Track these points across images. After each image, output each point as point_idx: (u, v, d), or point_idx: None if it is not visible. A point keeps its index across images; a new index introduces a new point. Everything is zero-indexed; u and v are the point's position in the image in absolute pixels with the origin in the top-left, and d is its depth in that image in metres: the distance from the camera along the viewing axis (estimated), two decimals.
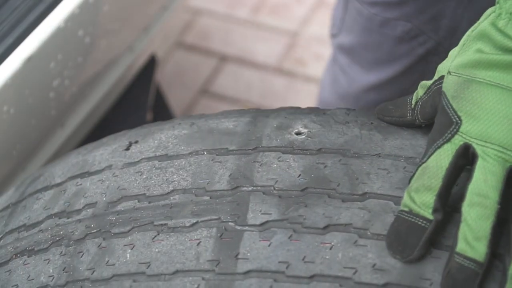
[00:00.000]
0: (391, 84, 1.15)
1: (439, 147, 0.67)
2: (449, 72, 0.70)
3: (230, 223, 0.69)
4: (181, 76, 2.14)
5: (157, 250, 0.69)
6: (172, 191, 0.74)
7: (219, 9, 2.30)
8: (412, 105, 0.75)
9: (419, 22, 1.06)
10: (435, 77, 0.73)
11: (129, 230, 0.72)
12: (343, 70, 1.22)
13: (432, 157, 0.67)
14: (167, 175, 0.76)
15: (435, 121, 0.70)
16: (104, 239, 0.73)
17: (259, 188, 0.72)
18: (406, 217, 0.66)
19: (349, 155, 0.74)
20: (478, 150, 0.66)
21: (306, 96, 2.01)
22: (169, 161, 0.77)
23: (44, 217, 0.80)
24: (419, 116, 0.74)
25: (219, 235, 0.69)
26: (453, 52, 0.71)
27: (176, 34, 2.14)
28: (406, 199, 0.67)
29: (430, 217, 0.66)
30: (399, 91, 1.14)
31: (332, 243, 0.67)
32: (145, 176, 0.77)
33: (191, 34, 2.24)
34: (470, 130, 0.66)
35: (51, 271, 0.73)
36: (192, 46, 2.21)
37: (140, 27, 1.45)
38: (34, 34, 1.11)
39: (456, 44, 0.72)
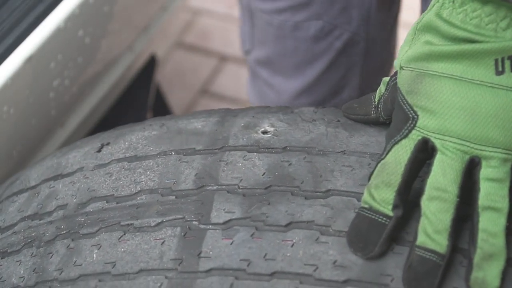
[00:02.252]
0: (319, 85, 1.15)
1: (396, 143, 0.67)
2: (401, 67, 0.69)
3: (194, 222, 0.70)
4: (181, 76, 2.14)
5: (122, 250, 0.70)
6: (139, 191, 0.75)
7: (219, 9, 2.31)
8: (375, 103, 0.75)
9: (329, 17, 1.06)
10: (393, 72, 0.73)
11: (96, 231, 0.73)
12: (267, 83, 1.21)
13: (390, 153, 0.67)
14: (135, 175, 0.76)
15: (392, 117, 0.70)
16: (72, 240, 0.73)
17: (223, 187, 0.72)
18: (367, 214, 0.67)
19: (314, 152, 0.74)
20: (437, 143, 0.65)
21: None
22: (138, 162, 0.78)
23: (18, 219, 0.81)
24: (382, 113, 0.74)
25: (182, 234, 0.69)
26: (403, 47, 0.71)
27: (176, 34, 2.15)
28: (366, 196, 0.67)
29: (390, 213, 0.66)
30: (329, 89, 1.14)
31: (294, 241, 0.67)
32: (114, 177, 0.77)
33: (191, 34, 2.25)
34: (427, 125, 0.66)
35: (22, 272, 0.74)
36: (192, 46, 2.22)
37: (140, 27, 1.45)
38: (34, 34, 1.11)
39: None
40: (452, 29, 0.65)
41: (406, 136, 0.67)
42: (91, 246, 0.72)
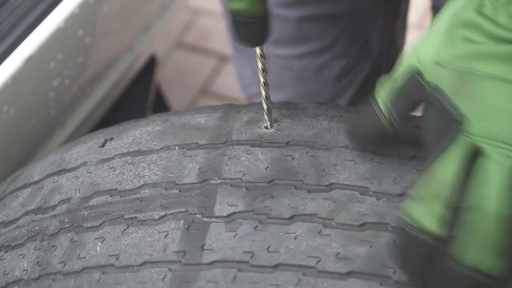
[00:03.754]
0: None
1: (445, 150, 0.61)
2: (437, 63, 0.63)
3: (197, 215, 0.70)
4: (181, 76, 2.15)
5: (126, 242, 0.70)
6: (143, 185, 0.75)
7: (219, 9, 2.31)
8: (382, 108, 0.68)
9: (352, 54, 1.03)
10: (403, 70, 0.66)
11: (100, 224, 0.73)
12: None
13: (437, 161, 0.61)
14: (138, 170, 0.77)
15: (426, 119, 0.65)
16: (76, 233, 0.74)
17: (227, 180, 0.73)
18: (409, 230, 0.61)
19: (317, 147, 0.75)
20: (486, 149, 0.59)
21: None
22: (141, 157, 0.78)
23: (21, 213, 0.81)
24: (395, 116, 0.67)
25: (186, 227, 0.70)
26: (429, 40, 0.65)
27: (176, 34, 2.15)
28: (410, 209, 0.61)
29: (437, 230, 0.60)
30: None
31: (297, 233, 0.67)
32: (117, 172, 0.78)
33: (191, 34, 2.26)
34: (475, 129, 0.60)
35: (25, 265, 0.75)
36: (192, 46, 2.23)
37: (140, 27, 1.46)
38: (34, 34, 1.11)
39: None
40: (498, 29, 0.60)
41: (454, 141, 0.60)
42: (95, 239, 0.72)
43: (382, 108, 0.67)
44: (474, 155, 0.59)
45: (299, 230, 0.67)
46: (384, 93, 0.67)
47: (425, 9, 2.20)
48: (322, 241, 0.67)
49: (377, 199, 0.70)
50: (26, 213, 0.80)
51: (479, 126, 0.59)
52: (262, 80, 0.76)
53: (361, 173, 0.71)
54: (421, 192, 0.61)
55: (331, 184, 0.71)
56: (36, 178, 0.85)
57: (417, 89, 0.65)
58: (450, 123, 0.61)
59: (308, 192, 0.70)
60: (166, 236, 0.69)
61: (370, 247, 0.66)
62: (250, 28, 0.70)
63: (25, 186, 0.85)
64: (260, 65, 0.75)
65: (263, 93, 0.76)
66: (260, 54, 0.75)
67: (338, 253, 0.66)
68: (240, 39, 0.71)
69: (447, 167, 0.60)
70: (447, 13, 0.64)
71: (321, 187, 0.71)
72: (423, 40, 0.66)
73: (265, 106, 0.77)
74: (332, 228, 0.68)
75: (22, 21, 1.13)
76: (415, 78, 0.65)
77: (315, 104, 0.81)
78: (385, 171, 0.72)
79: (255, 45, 0.73)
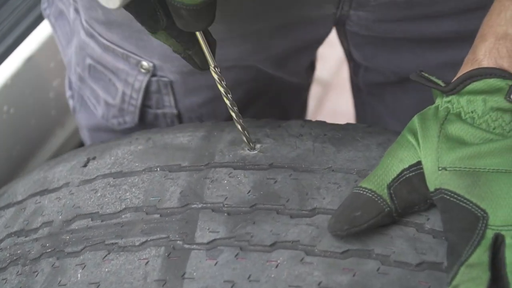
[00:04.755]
0: None
1: (478, 245, 0.65)
2: (443, 168, 0.68)
3: (178, 241, 0.69)
4: None
5: (107, 270, 0.69)
6: (124, 209, 0.74)
7: None
8: (386, 200, 0.68)
9: None
10: (403, 166, 0.70)
11: (81, 250, 0.72)
12: None
13: (473, 256, 0.64)
14: (120, 192, 0.76)
15: (446, 219, 0.68)
16: (57, 258, 0.73)
17: (208, 205, 0.72)
18: None
19: (300, 169, 0.73)
20: (507, 235, 0.64)
21: None
22: (123, 178, 0.77)
23: (4, 235, 0.80)
24: (397, 207, 0.69)
25: (166, 254, 0.68)
26: (427, 150, 0.70)
27: None
28: None
29: None
30: None
31: (278, 261, 0.66)
32: (99, 194, 0.77)
33: None
34: (495, 220, 0.65)
35: None
36: None
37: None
38: (34, 34, 1.11)
39: None
40: (483, 133, 0.69)
41: (483, 236, 0.65)
42: (76, 265, 0.71)
43: (386, 198, 0.69)
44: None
45: (281, 258, 0.66)
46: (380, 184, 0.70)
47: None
48: (304, 270, 0.65)
49: None
50: (9, 235, 0.79)
51: (498, 217, 0.65)
52: (228, 103, 0.74)
53: (345, 197, 0.70)
54: (462, 285, 0.63)
55: (314, 208, 0.70)
56: (20, 198, 0.84)
57: (416, 182, 0.70)
58: (475, 220, 0.66)
59: (291, 217, 0.69)
60: (146, 263, 0.68)
61: (353, 275, 0.65)
62: (194, 15, 0.67)
63: (8, 206, 0.84)
64: (222, 90, 0.74)
65: (234, 115, 0.75)
66: (218, 78, 0.74)
67: (320, 282, 0.64)
68: (182, 26, 0.68)
69: (481, 260, 0.63)
70: (429, 127, 0.71)
71: (304, 212, 0.70)
72: (422, 152, 0.70)
73: (239, 128, 0.75)
74: (314, 255, 0.66)
75: (22, 21, 1.13)
76: (413, 173, 0.70)
77: (299, 122, 0.79)
78: None
79: (197, 30, 0.71)
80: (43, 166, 0.88)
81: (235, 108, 0.75)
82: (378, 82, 1.07)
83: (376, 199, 0.68)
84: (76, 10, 0.99)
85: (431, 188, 0.68)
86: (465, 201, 0.67)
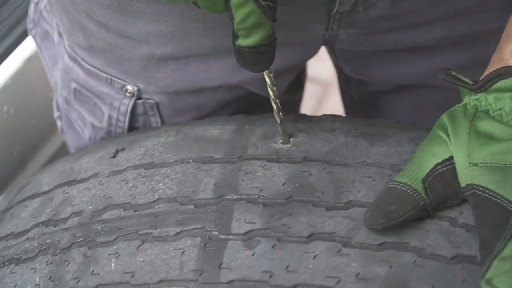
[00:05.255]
0: None
1: (510, 238, 0.65)
2: (474, 164, 0.69)
3: (214, 232, 0.69)
4: None
5: (141, 259, 0.69)
6: (157, 199, 0.74)
7: None
8: (421, 193, 0.69)
9: None
10: (436, 161, 0.71)
11: (114, 239, 0.72)
12: None
13: (506, 249, 0.65)
14: (152, 183, 0.76)
15: (478, 214, 0.68)
16: (89, 248, 0.73)
17: (243, 196, 0.72)
18: None
19: (334, 163, 0.74)
20: None
21: (306, 96, 2.00)
22: (155, 169, 0.77)
23: (31, 225, 0.80)
24: (432, 201, 0.70)
25: (203, 244, 0.69)
26: (457, 147, 0.71)
27: None
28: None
29: None
30: None
31: (316, 252, 0.66)
32: (131, 185, 0.77)
33: None
34: None
35: (37, 280, 0.73)
36: None
37: None
38: None
39: None
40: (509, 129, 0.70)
41: None
42: (109, 255, 0.71)
43: (421, 191, 0.70)
44: None
45: (318, 249, 0.67)
46: (414, 179, 0.70)
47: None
48: (342, 261, 0.66)
49: None
50: (36, 224, 0.79)
51: None
52: (272, 95, 0.75)
53: (380, 191, 0.71)
54: (495, 277, 0.63)
55: (350, 201, 0.70)
56: (46, 188, 0.83)
57: (448, 176, 0.70)
58: (507, 214, 0.66)
59: (327, 209, 0.70)
60: (182, 253, 0.68)
61: (390, 267, 0.65)
62: (257, 57, 0.70)
63: (34, 196, 0.84)
64: (268, 81, 0.74)
65: (275, 107, 0.75)
66: (270, 81, 0.74)
67: (357, 273, 0.65)
68: (246, 67, 0.71)
69: None
70: (459, 125, 0.72)
71: (339, 204, 0.70)
72: (453, 148, 0.71)
73: (278, 120, 0.76)
74: (351, 247, 0.67)
75: (22, 21, 1.13)
76: (445, 168, 0.71)
77: (330, 117, 0.80)
78: None
79: (261, 70, 0.73)
80: (68, 158, 0.88)
81: (278, 100, 0.75)
82: (372, 91, 1.08)
83: (411, 193, 0.69)
84: (60, 34, 0.99)
85: (463, 184, 0.69)
86: (496, 196, 0.67)
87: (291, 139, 0.77)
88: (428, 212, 0.69)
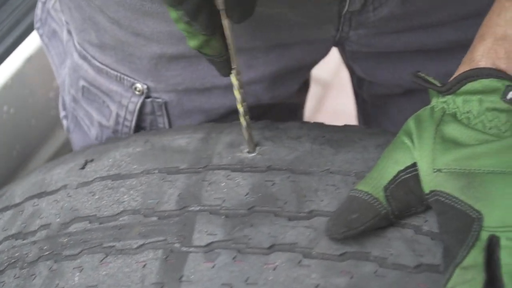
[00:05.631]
0: None
1: (473, 246, 0.64)
2: (438, 170, 0.68)
3: (176, 244, 0.69)
4: None
5: (104, 273, 0.69)
6: (122, 211, 0.74)
7: None
8: (383, 202, 0.68)
9: None
10: (398, 168, 0.70)
11: (78, 253, 0.72)
12: None
13: (468, 258, 0.64)
14: (118, 195, 0.76)
15: (441, 221, 0.67)
16: (55, 261, 0.73)
17: (206, 207, 0.71)
18: None
19: (298, 171, 0.73)
20: (502, 237, 0.64)
21: None
22: (121, 181, 0.77)
23: (2, 238, 0.80)
24: (394, 209, 0.69)
25: (164, 257, 0.68)
26: (422, 152, 0.70)
27: None
28: None
29: None
30: None
31: (276, 264, 0.66)
32: (97, 197, 0.76)
33: None
34: (490, 221, 0.65)
35: None
36: None
37: None
38: (34, 34, 1.12)
39: None
40: (478, 134, 0.69)
41: (478, 238, 0.64)
42: (73, 268, 0.71)
43: (381, 200, 0.69)
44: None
45: (279, 261, 0.66)
46: (377, 187, 0.70)
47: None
48: (302, 272, 0.65)
49: None
50: (7, 237, 0.79)
51: (495, 218, 0.64)
52: (241, 109, 0.74)
53: (343, 199, 0.70)
54: (460, 284, 0.63)
55: (312, 211, 0.69)
56: (17, 200, 0.83)
57: (412, 183, 0.69)
58: (470, 221, 0.65)
59: (289, 219, 0.69)
60: (144, 266, 0.68)
61: (351, 277, 0.65)
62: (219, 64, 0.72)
63: (6, 208, 0.84)
64: (237, 96, 0.74)
65: (244, 122, 0.75)
66: (237, 84, 0.73)
67: (317, 285, 0.64)
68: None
69: (476, 262, 0.63)
70: (425, 129, 0.71)
71: (301, 214, 0.69)
72: (416, 153, 0.70)
73: (246, 135, 0.75)
74: (312, 258, 0.66)
75: (22, 21, 1.14)
76: (408, 175, 0.70)
77: (297, 124, 0.79)
78: None
79: (224, 75, 0.74)
80: (42, 169, 0.88)
81: (245, 104, 0.74)
82: (383, 94, 1.07)
83: (372, 201, 0.68)
84: (69, 32, 0.99)
85: (426, 190, 0.68)
86: (459, 202, 0.66)
87: (257, 148, 0.76)
88: (390, 221, 0.68)
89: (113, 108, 0.97)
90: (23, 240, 0.77)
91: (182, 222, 0.71)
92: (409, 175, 0.69)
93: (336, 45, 0.93)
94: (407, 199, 0.69)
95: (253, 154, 0.75)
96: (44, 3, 1.07)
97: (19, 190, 0.85)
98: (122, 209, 0.74)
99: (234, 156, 0.76)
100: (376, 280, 0.64)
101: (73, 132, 1.11)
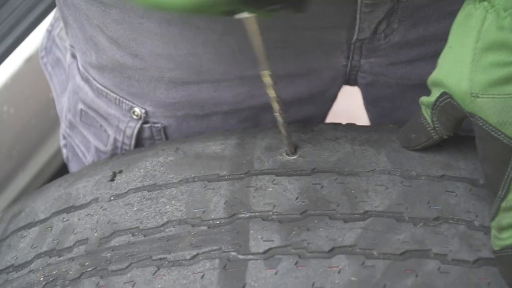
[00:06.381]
0: None
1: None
2: (475, 95, 0.63)
3: (232, 252, 0.68)
4: None
5: (160, 286, 0.67)
6: (167, 222, 0.72)
7: None
8: (431, 125, 0.71)
9: None
10: (435, 94, 0.68)
11: (127, 267, 0.70)
12: None
13: (510, 193, 0.63)
14: (159, 206, 0.74)
15: (480, 146, 0.65)
16: (101, 277, 0.70)
17: (257, 214, 0.70)
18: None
19: (344, 173, 0.73)
20: None
21: None
22: (160, 191, 0.75)
23: (32, 256, 0.77)
24: (443, 131, 0.71)
25: (222, 266, 0.67)
26: (458, 68, 0.65)
27: None
28: (498, 240, 0.64)
29: None
30: None
31: (340, 267, 0.66)
32: (135, 208, 0.74)
33: None
34: None
35: None
36: None
37: None
38: (34, 34, 1.11)
39: None
40: None
41: None
42: (124, 283, 0.69)
43: (429, 121, 0.71)
44: None
45: (342, 263, 0.66)
46: (426, 111, 0.71)
47: None
48: (367, 273, 0.65)
49: (414, 225, 0.69)
50: (38, 255, 0.76)
51: None
52: (277, 107, 0.73)
53: (394, 199, 0.70)
54: (504, 222, 0.64)
55: (366, 212, 0.69)
56: (42, 216, 0.80)
57: (456, 111, 0.67)
58: (509, 152, 0.62)
59: (344, 221, 0.69)
60: (202, 277, 0.67)
61: (416, 276, 0.65)
62: None
63: (30, 225, 0.81)
64: (273, 94, 0.73)
65: (280, 120, 0.74)
66: (272, 82, 0.72)
67: (385, 285, 0.64)
68: None
69: None
70: (468, 38, 0.64)
71: (356, 215, 0.69)
72: (449, 68, 0.66)
73: (283, 132, 0.74)
74: (374, 258, 0.66)
75: (22, 21, 1.13)
76: (451, 104, 0.67)
77: (331, 126, 0.79)
78: (417, 194, 0.71)
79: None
80: (60, 183, 0.85)
81: (282, 112, 0.73)
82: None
83: (427, 126, 0.72)
84: (73, 55, 0.98)
85: (467, 112, 0.66)
86: (498, 132, 0.63)
87: (297, 150, 0.76)
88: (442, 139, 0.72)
89: (111, 132, 0.95)
90: (59, 257, 0.75)
91: (234, 230, 0.69)
92: (448, 100, 0.67)
93: (348, 79, 0.91)
94: (453, 121, 0.69)
95: (294, 157, 0.75)
96: (50, 31, 1.06)
97: (41, 206, 0.82)
98: (166, 220, 0.72)
99: (275, 159, 0.75)
100: (441, 277, 0.65)
101: (71, 161, 1.09)
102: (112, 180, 0.79)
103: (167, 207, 0.73)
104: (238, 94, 0.88)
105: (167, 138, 0.94)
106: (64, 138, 1.09)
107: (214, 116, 0.91)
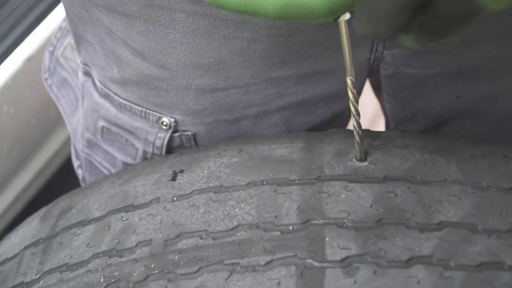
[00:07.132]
0: None
1: None
2: None
3: (308, 260, 0.67)
4: None
5: None
6: (237, 226, 0.71)
7: None
8: None
9: None
10: None
11: (196, 271, 0.69)
12: None
13: None
14: (227, 208, 0.72)
15: None
16: (169, 281, 0.69)
17: (331, 221, 0.69)
18: None
19: (417, 182, 0.72)
20: None
21: None
22: (227, 193, 0.74)
23: (90, 255, 0.75)
24: None
25: (299, 273, 0.66)
26: None
27: None
28: None
29: None
30: None
31: (419, 277, 0.65)
32: (202, 210, 0.73)
33: None
34: None
35: None
36: None
37: None
38: (34, 34, 1.11)
39: None
40: None
41: None
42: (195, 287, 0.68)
43: None
44: None
45: (420, 274, 0.65)
46: None
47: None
48: (445, 284, 0.65)
49: (488, 237, 0.68)
50: (96, 255, 0.75)
51: None
52: (353, 110, 0.73)
53: (467, 209, 0.70)
54: None
55: (441, 222, 0.69)
56: (97, 214, 0.79)
57: None
58: None
59: (420, 231, 0.68)
60: (278, 284, 0.66)
61: None
62: None
63: (84, 223, 0.79)
64: (351, 96, 0.72)
65: (355, 123, 0.73)
66: (351, 84, 0.72)
67: None
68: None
69: None
70: None
71: (431, 225, 0.69)
72: None
73: (357, 137, 0.73)
74: (451, 269, 0.66)
75: (22, 21, 1.13)
76: None
77: (398, 132, 0.78)
78: (489, 205, 0.70)
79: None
80: (114, 180, 0.83)
81: (358, 117, 0.73)
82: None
83: None
84: (86, 73, 0.97)
85: None
86: None
87: (368, 156, 0.75)
88: None
89: (139, 145, 0.95)
90: (120, 257, 0.73)
91: (309, 237, 0.68)
92: None
93: (370, 71, 0.91)
94: None
95: (365, 163, 0.74)
96: (52, 52, 1.05)
97: (94, 203, 0.80)
98: (236, 223, 0.71)
99: (346, 165, 0.74)
100: None
101: (89, 182, 1.07)
102: (174, 179, 0.77)
103: (236, 210, 0.72)
104: (266, 96, 0.88)
105: (196, 145, 0.94)
106: (78, 159, 1.08)
107: (244, 121, 0.91)
